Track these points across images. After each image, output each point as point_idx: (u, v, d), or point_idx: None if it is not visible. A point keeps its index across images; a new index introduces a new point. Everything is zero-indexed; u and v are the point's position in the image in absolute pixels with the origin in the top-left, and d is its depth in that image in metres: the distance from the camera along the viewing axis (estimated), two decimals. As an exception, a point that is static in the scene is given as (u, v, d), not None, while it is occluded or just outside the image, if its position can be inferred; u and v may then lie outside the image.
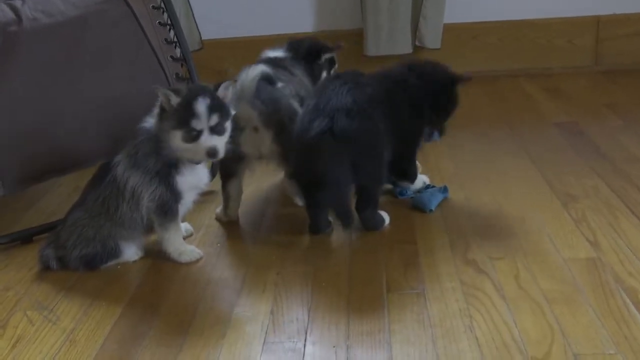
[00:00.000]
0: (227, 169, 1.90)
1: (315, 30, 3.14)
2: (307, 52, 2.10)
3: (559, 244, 1.68)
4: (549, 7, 3.07)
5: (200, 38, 3.09)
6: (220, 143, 1.66)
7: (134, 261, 1.76)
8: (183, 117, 1.63)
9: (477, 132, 2.46)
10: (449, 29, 3.06)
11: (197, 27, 3.08)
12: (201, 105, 1.63)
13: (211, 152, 1.65)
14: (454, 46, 3.10)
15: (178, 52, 2.14)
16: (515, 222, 1.81)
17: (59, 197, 2.14)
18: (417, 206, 1.92)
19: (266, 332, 1.44)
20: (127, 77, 2.02)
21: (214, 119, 1.64)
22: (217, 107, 1.65)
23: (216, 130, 1.65)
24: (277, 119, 1.80)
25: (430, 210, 1.89)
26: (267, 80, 1.82)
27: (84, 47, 1.97)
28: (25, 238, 1.91)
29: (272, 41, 3.02)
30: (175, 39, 2.13)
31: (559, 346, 1.32)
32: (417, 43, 3.06)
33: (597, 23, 3.07)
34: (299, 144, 1.75)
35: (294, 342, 1.40)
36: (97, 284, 1.68)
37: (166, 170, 1.69)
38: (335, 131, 1.71)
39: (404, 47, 3.04)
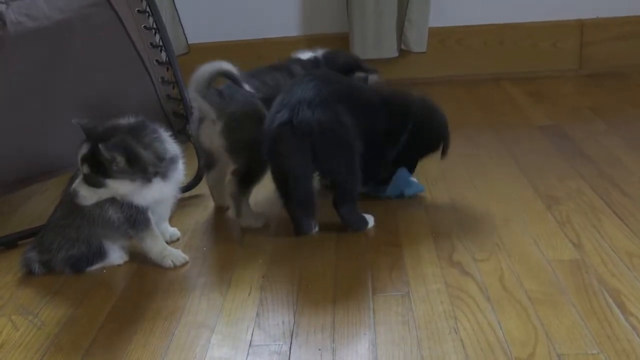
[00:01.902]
0: (205, 161, 2.02)
1: (302, 35, 3.15)
2: (342, 65, 2.08)
3: (543, 246, 1.70)
4: (533, 11, 3.10)
5: (187, 42, 3.09)
6: (86, 191, 1.65)
7: (119, 265, 1.76)
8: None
9: (462, 135, 2.47)
10: (434, 32, 3.08)
11: (183, 31, 3.08)
12: (81, 151, 1.64)
13: (72, 194, 1.65)
14: (438, 50, 3.12)
15: (164, 56, 2.14)
16: (500, 224, 1.82)
17: (44, 201, 2.13)
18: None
19: (252, 335, 1.44)
20: (112, 81, 2.02)
21: (85, 169, 1.64)
22: (89, 159, 1.63)
23: (87, 179, 1.64)
24: (229, 112, 1.85)
25: (388, 197, 1.97)
26: (228, 77, 1.85)
27: (69, 51, 1.97)
28: (10, 243, 1.90)
29: (258, 45, 3.06)
30: (161, 43, 2.13)
31: (543, 347, 1.33)
32: (402, 47, 3.08)
33: (581, 27, 3.10)
34: (264, 137, 1.77)
35: (279, 345, 1.40)
36: (82, 288, 1.68)
37: None
38: (294, 122, 1.72)
39: (389, 51, 3.06)
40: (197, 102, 1.86)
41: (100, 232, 1.72)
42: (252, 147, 1.82)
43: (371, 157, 1.85)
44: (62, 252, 1.72)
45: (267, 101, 1.86)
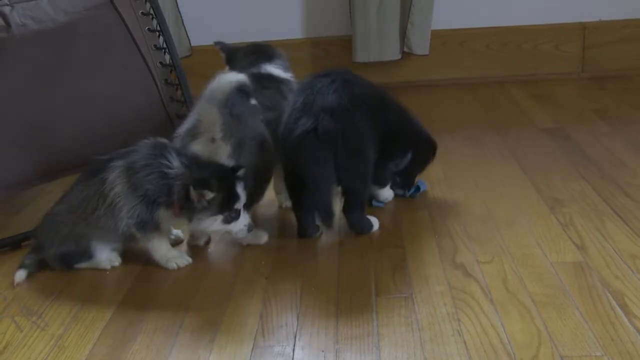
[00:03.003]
0: None
1: (305, 37, 3.15)
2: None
3: (547, 248, 1.70)
4: (536, 14, 3.10)
5: (190, 44, 3.10)
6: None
7: (113, 268, 1.76)
8: (225, 202, 1.67)
9: (466, 137, 2.47)
10: (437, 35, 3.09)
11: (186, 33, 3.09)
12: (240, 188, 1.69)
13: (250, 227, 1.73)
14: (441, 52, 3.12)
15: (167, 58, 2.14)
16: (503, 226, 1.82)
17: (48, 202, 2.12)
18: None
19: (255, 337, 1.44)
20: (116, 83, 2.02)
21: (244, 196, 1.70)
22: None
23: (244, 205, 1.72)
24: (238, 136, 1.74)
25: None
26: (243, 92, 1.76)
27: (73, 53, 1.97)
28: (14, 244, 1.90)
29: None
30: (165, 45, 2.13)
31: (547, 349, 1.33)
32: (405, 49, 3.08)
33: (583, 30, 3.10)
34: (284, 142, 1.77)
35: (283, 346, 1.40)
36: (85, 289, 1.68)
37: (155, 200, 1.68)
38: (319, 132, 1.72)
39: (392, 53, 3.06)
40: (208, 115, 1.71)
41: (94, 233, 1.72)
42: (257, 174, 1.77)
43: (382, 159, 1.86)
44: (54, 248, 1.73)
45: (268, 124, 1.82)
